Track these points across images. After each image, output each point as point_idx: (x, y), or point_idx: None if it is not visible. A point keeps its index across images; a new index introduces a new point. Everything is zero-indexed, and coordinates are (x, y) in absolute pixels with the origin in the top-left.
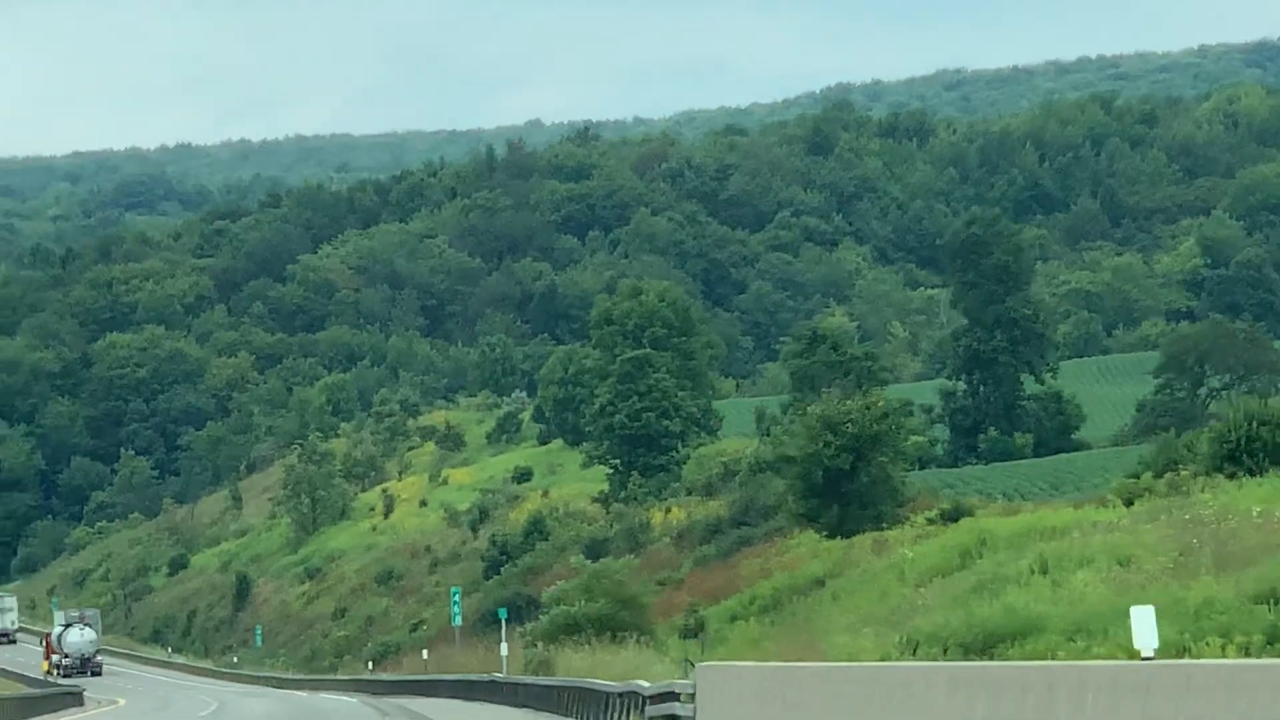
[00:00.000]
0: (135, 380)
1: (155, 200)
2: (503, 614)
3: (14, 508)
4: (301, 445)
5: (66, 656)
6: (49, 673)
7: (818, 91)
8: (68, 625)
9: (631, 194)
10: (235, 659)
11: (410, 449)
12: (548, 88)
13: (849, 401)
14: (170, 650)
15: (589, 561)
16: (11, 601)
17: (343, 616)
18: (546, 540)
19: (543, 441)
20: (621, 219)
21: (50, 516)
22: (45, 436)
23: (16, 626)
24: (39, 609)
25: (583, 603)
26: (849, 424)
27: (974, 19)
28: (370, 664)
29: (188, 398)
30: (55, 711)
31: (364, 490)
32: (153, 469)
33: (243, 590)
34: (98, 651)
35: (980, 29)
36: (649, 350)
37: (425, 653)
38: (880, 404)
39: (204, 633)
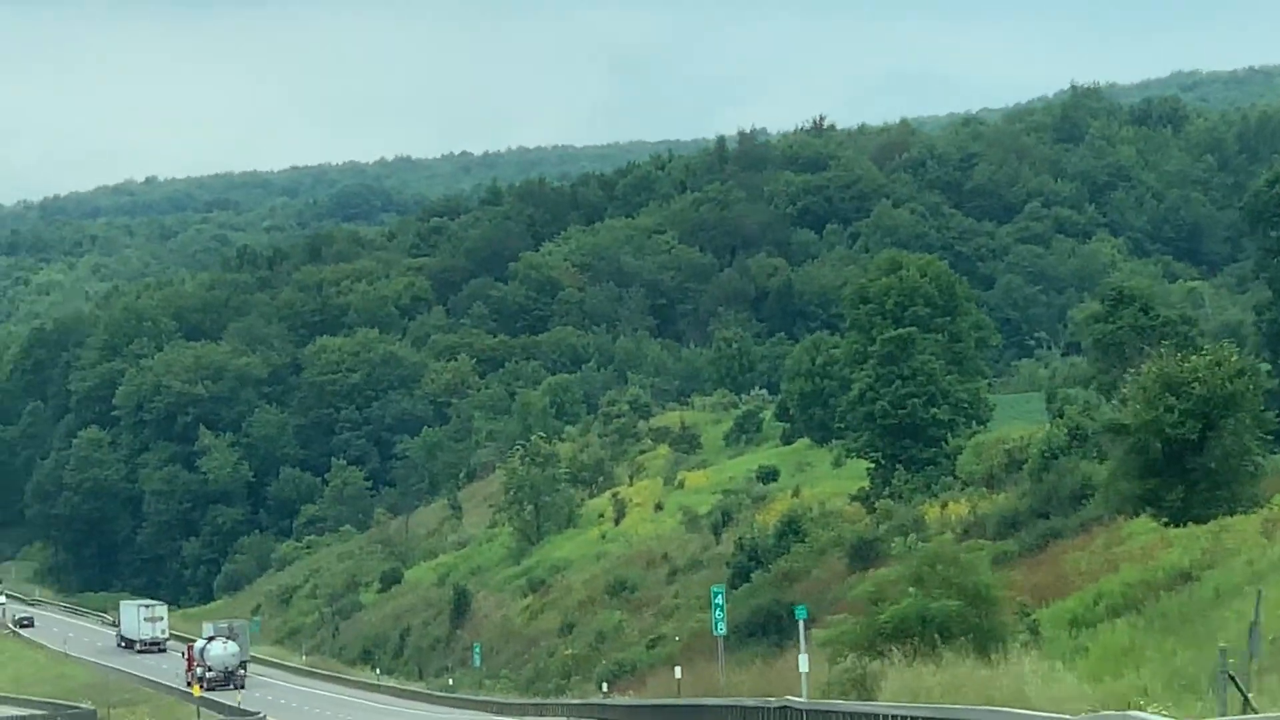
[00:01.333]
0: (347, 386)
1: (372, 211)
2: (801, 613)
3: (221, 522)
4: (524, 447)
5: (210, 670)
6: (189, 685)
7: (1050, 96)
8: (210, 638)
9: (871, 185)
10: (450, 680)
11: (641, 452)
12: (771, 101)
13: (1193, 358)
14: (379, 672)
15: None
16: (162, 610)
17: (570, 632)
18: (803, 542)
19: (787, 441)
20: (861, 211)
21: (258, 531)
22: (253, 447)
23: (167, 635)
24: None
25: (916, 596)
26: (1195, 383)
27: (1199, 22)
28: (604, 686)
29: (403, 404)
30: None
31: (592, 496)
32: (366, 480)
33: (460, 605)
34: (241, 664)
35: (1206, 31)
36: (913, 329)
37: (679, 670)
38: (1233, 359)
39: (418, 652)
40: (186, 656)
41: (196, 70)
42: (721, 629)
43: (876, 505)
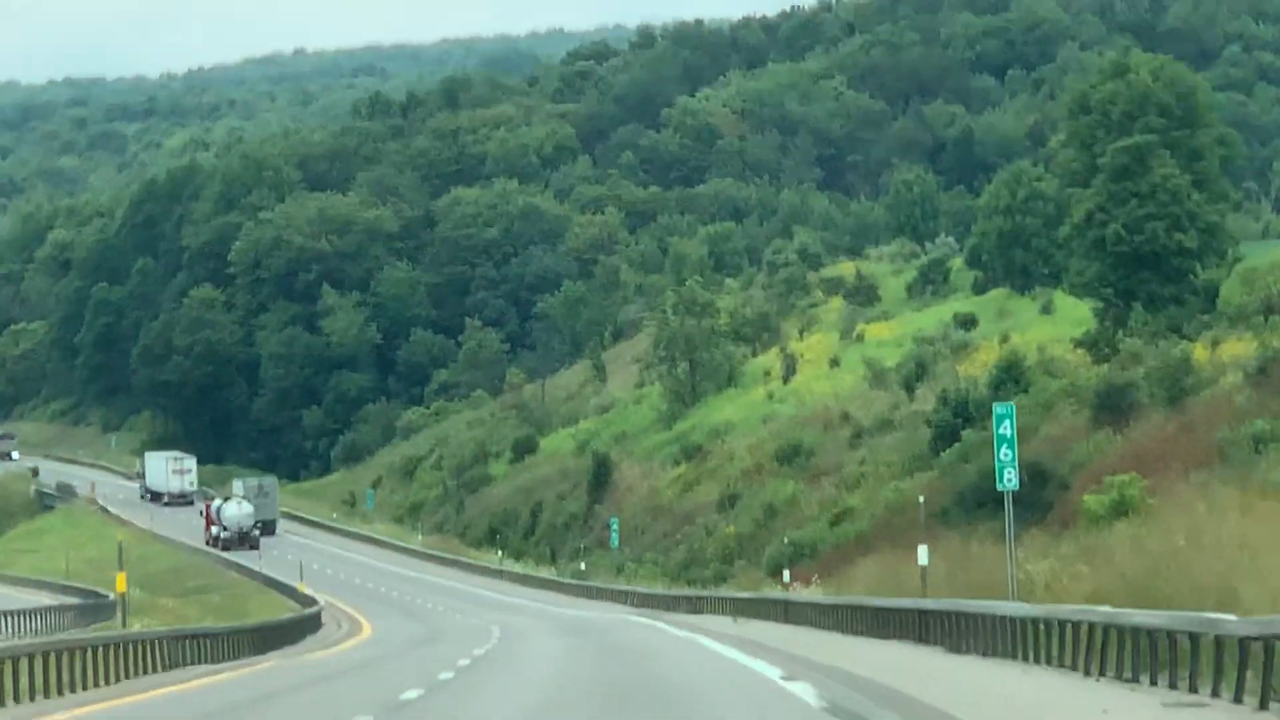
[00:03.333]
0: (484, 241)
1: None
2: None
3: (345, 389)
4: (677, 294)
5: (225, 530)
6: (209, 544)
7: None
8: (227, 498)
9: (1056, 27)
10: (583, 565)
11: (812, 305)
12: None
13: None
14: (502, 555)
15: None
16: (191, 463)
17: (732, 506)
18: (1026, 393)
19: (980, 290)
20: (1045, 56)
21: (385, 399)
22: (381, 307)
23: (195, 488)
24: (356, 506)
25: None
26: None
27: None
28: (786, 574)
29: (545, 261)
30: (290, 644)
31: (755, 354)
32: (503, 342)
33: (600, 476)
34: (259, 525)
35: None
36: (1151, 137)
37: (923, 551)
38: None
39: (550, 532)
40: (204, 515)
41: None
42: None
43: (1120, 347)
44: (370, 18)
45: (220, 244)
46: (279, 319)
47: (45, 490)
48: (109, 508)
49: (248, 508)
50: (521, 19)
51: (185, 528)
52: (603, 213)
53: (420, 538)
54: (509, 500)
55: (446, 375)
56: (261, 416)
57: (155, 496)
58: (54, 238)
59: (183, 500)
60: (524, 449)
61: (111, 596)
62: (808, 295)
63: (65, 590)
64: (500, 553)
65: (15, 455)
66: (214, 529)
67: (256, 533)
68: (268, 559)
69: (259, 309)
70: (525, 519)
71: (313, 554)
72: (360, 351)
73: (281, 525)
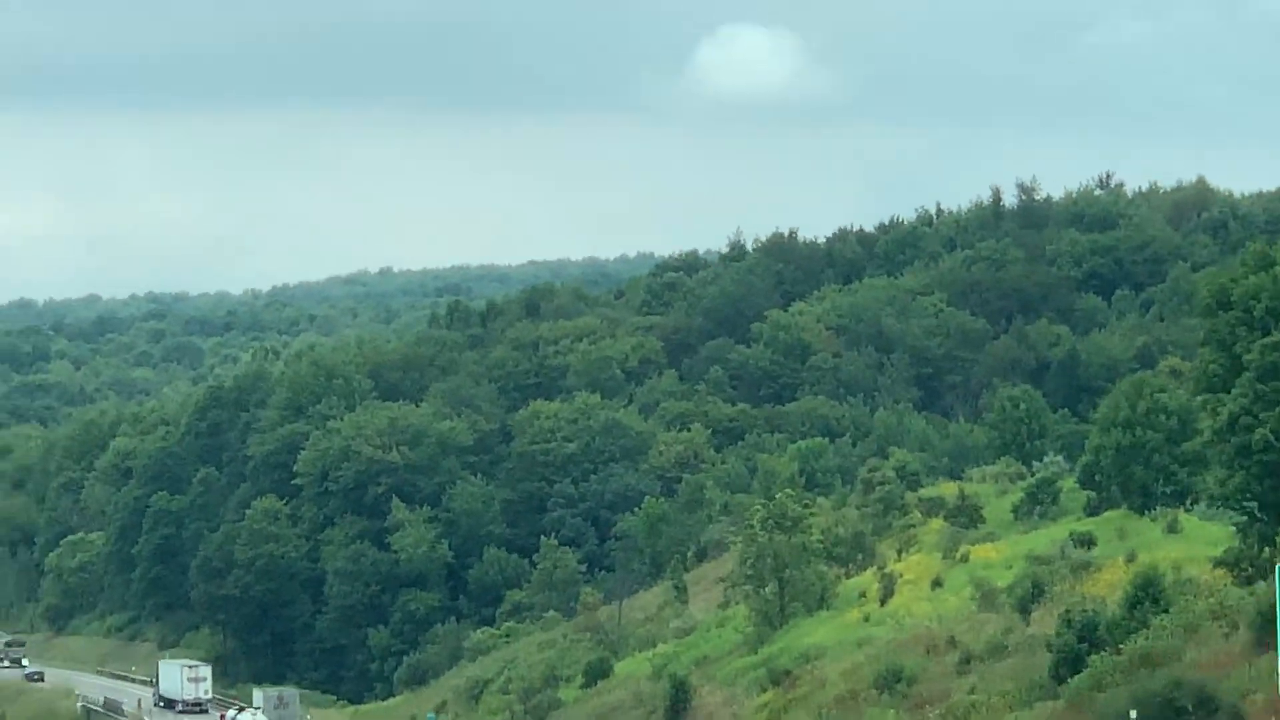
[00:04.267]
0: (563, 457)
1: None
2: None
3: (414, 608)
4: (766, 508)
5: None
6: None
7: None
8: (242, 708)
9: (1166, 246)
10: None
11: (910, 526)
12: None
13: None
14: None
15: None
16: (206, 671)
17: None
18: (1166, 613)
19: (1093, 512)
20: (1155, 275)
21: (455, 619)
22: (453, 523)
23: (210, 696)
24: None
25: None
26: None
27: None
28: None
29: (626, 479)
30: None
31: (849, 576)
32: (580, 563)
33: (679, 702)
34: None
35: None
36: None
37: None
38: None
39: None
40: None
41: (442, 169)
42: None
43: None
44: (459, 241)
45: (286, 454)
46: (346, 533)
47: (92, 708)
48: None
49: (261, 718)
50: (611, 244)
51: None
52: (689, 429)
53: None
54: None
55: (520, 596)
56: (325, 635)
57: (169, 704)
58: (116, 445)
59: (197, 708)
60: (597, 673)
61: None
62: (905, 515)
63: None
64: None
65: (25, 662)
66: None
67: None
68: None
69: (325, 522)
70: None
71: None
72: (430, 569)
73: None
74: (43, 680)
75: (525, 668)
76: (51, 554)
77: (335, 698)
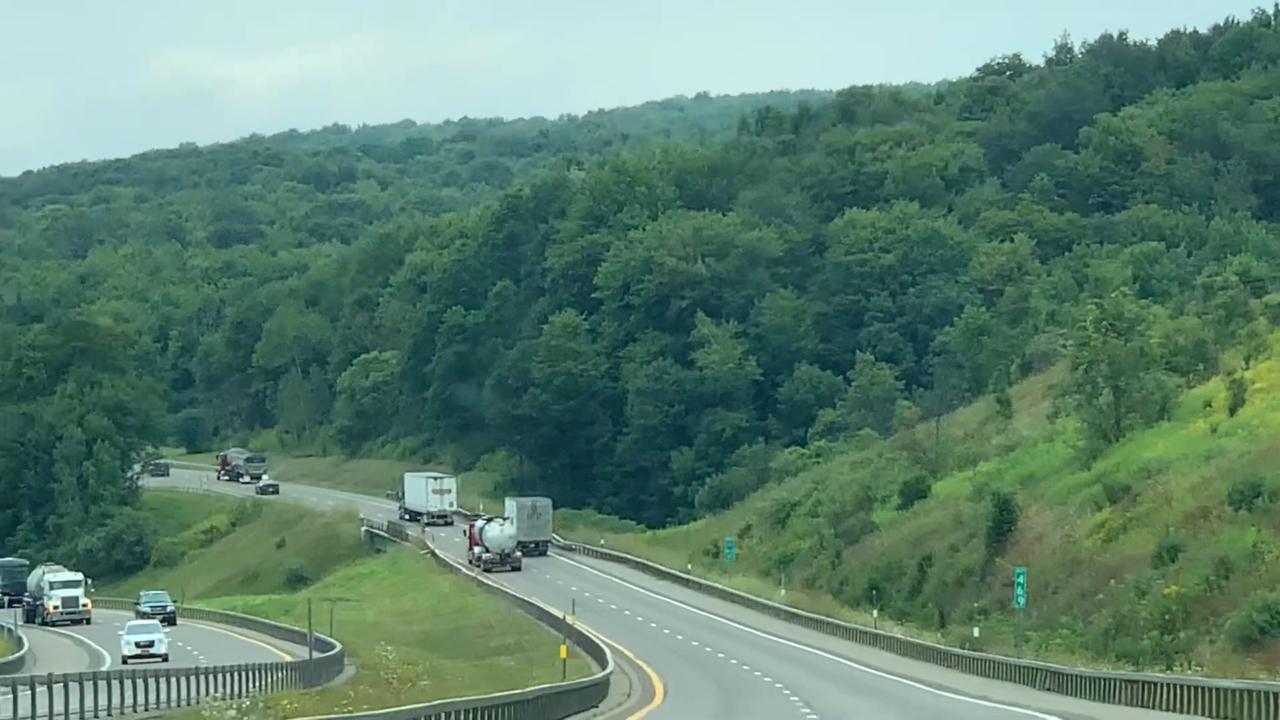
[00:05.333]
0: (880, 268)
1: None
2: None
3: (720, 429)
4: (1100, 308)
5: (487, 550)
6: (471, 563)
7: None
8: (490, 518)
9: None
10: (976, 631)
11: (1256, 335)
12: None
13: None
14: (877, 616)
15: None
16: (451, 483)
17: (1173, 560)
18: None
19: None
20: None
21: (764, 440)
22: (762, 338)
23: (454, 508)
24: (713, 562)
25: None
26: None
27: None
28: None
29: (945, 291)
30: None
31: (1190, 386)
32: (898, 379)
33: (1002, 523)
34: (521, 546)
35: None
36: None
37: None
38: None
39: (940, 590)
40: (468, 535)
41: None
42: None
43: None
44: (776, 67)
45: (586, 266)
46: (648, 350)
47: (376, 532)
48: (439, 552)
49: (510, 529)
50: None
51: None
52: (1012, 240)
53: (782, 593)
54: (893, 552)
55: (833, 415)
56: (626, 458)
57: (414, 517)
58: (412, 260)
59: (442, 521)
60: (914, 493)
61: (337, 649)
62: (1250, 323)
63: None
64: (876, 613)
65: (265, 477)
66: (476, 549)
67: (519, 554)
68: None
69: (626, 338)
70: (911, 574)
71: (597, 586)
72: (737, 387)
73: (578, 560)
74: (277, 493)
75: (836, 489)
76: (344, 374)
77: (635, 523)
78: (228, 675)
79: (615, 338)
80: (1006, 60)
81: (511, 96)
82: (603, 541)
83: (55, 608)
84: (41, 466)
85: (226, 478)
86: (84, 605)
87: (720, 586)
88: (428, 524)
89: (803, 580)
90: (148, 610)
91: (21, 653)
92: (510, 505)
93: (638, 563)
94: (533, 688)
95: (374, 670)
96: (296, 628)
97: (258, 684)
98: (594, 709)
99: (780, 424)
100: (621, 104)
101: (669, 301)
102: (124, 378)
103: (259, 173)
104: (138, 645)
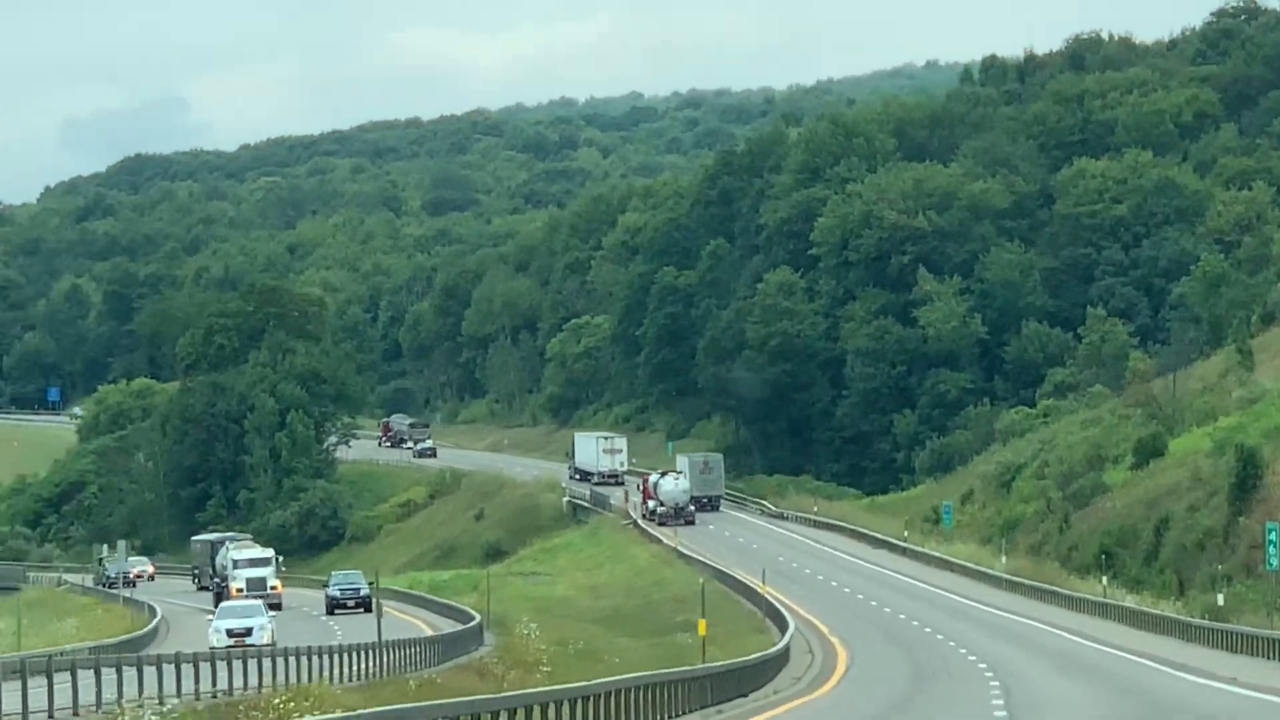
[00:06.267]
0: (1111, 220)
1: None
2: None
3: (944, 390)
4: None
5: (661, 504)
6: (644, 518)
7: None
8: (664, 473)
9: None
10: (1220, 599)
11: None
12: None
13: None
14: (1107, 584)
15: None
16: (622, 443)
17: None
18: None
19: None
20: None
21: (990, 401)
22: (987, 294)
23: (625, 468)
24: (932, 529)
25: None
26: None
27: None
28: None
29: (1180, 243)
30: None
31: None
32: (1131, 335)
33: (1247, 479)
34: (695, 500)
35: None
36: None
37: None
38: None
39: (1178, 554)
40: (641, 489)
41: None
42: None
43: None
44: (1001, 31)
45: (803, 221)
46: (867, 308)
47: (579, 502)
48: (640, 521)
49: (684, 483)
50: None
51: (712, 540)
52: (1250, 188)
53: (1003, 560)
54: (1126, 515)
55: (1063, 374)
56: (846, 422)
57: (585, 476)
58: (624, 221)
59: (613, 480)
60: (1149, 451)
61: (475, 621)
62: None
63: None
64: (1105, 581)
65: (429, 442)
66: (650, 502)
67: (692, 508)
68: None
69: (845, 297)
70: (1146, 538)
71: (807, 555)
72: (962, 346)
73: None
74: (434, 456)
75: (1064, 449)
76: (554, 340)
77: (854, 490)
78: (337, 655)
79: (833, 296)
80: (1242, 3)
81: (740, 70)
82: (816, 509)
83: (239, 590)
84: (232, 439)
85: (389, 444)
86: (272, 587)
87: (937, 554)
88: (597, 484)
89: (1027, 547)
90: (337, 588)
91: (154, 623)
92: (682, 460)
93: (852, 530)
94: (651, 672)
95: (504, 650)
96: (454, 604)
97: (366, 664)
98: (743, 697)
99: (1007, 384)
100: (850, 73)
101: (889, 257)
102: (319, 345)
103: (478, 143)
104: (230, 634)
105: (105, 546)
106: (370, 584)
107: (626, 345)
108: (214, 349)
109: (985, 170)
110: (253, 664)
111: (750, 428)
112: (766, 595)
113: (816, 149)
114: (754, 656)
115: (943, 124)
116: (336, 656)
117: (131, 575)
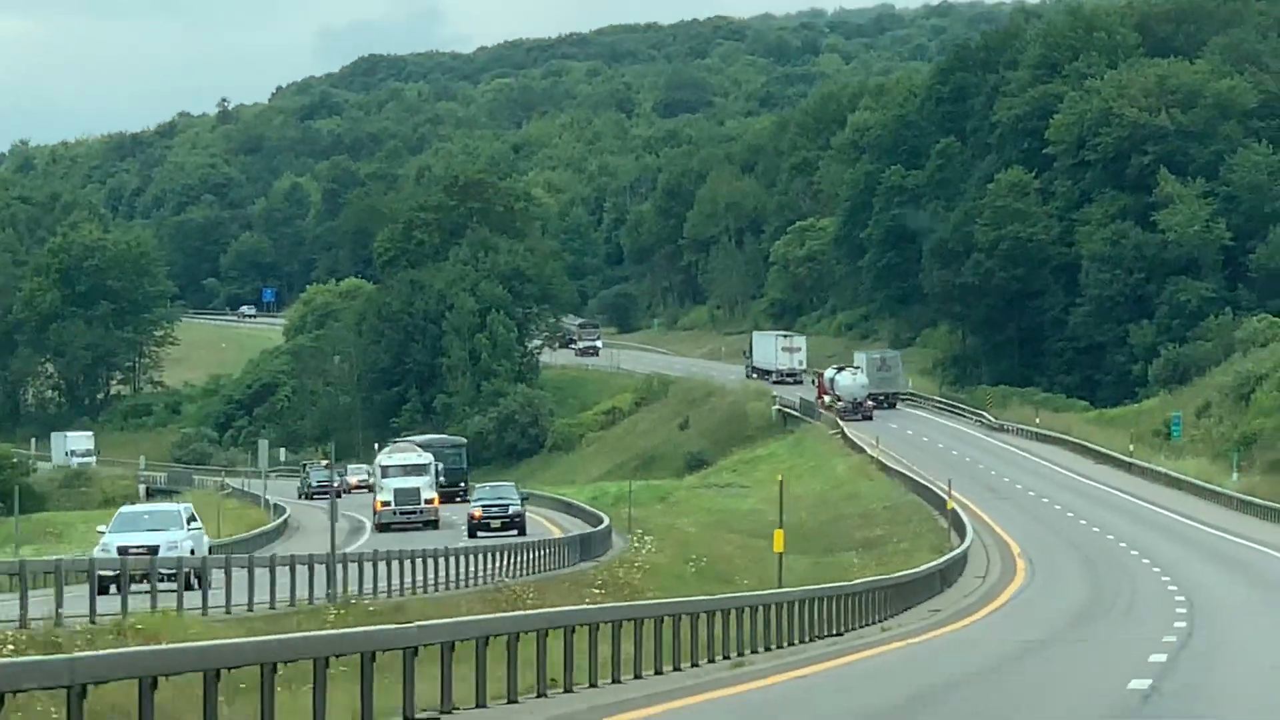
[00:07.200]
0: None
1: None
2: None
3: (1184, 299)
4: None
5: (839, 399)
6: (826, 408)
7: None
8: (841, 368)
9: None
10: None
11: None
12: None
13: None
14: None
15: None
16: (801, 341)
17: None
18: None
19: None
20: None
21: (1233, 311)
22: (1234, 198)
23: (804, 367)
24: (1162, 443)
25: None
26: None
27: None
28: None
29: None
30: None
31: None
32: None
33: None
34: (872, 397)
35: None
36: None
37: None
38: None
39: None
40: (817, 384)
41: None
42: None
43: None
44: None
45: (1038, 119)
46: (1105, 211)
47: (789, 411)
48: (848, 431)
49: (862, 378)
50: None
51: (913, 448)
52: None
53: (1234, 478)
54: None
55: None
56: (1079, 332)
57: (763, 374)
58: (854, 120)
59: (791, 379)
60: None
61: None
62: None
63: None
64: None
65: (595, 341)
66: (826, 398)
67: (870, 403)
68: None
69: (1081, 199)
70: None
71: (1022, 470)
72: (1204, 253)
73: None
74: (597, 355)
75: None
76: (777, 243)
77: (1085, 402)
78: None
79: (1069, 198)
80: None
81: None
82: (1038, 420)
83: (385, 504)
84: (430, 340)
85: (559, 346)
86: (428, 501)
87: (1162, 470)
88: (775, 381)
89: (1265, 464)
90: (480, 503)
91: (282, 519)
92: (860, 357)
93: (1075, 444)
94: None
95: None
96: (594, 509)
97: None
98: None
99: (1252, 294)
100: None
101: (1129, 157)
102: (525, 242)
103: (719, 47)
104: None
105: (283, 451)
106: (524, 498)
107: (851, 249)
108: (414, 245)
109: (1234, 67)
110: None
111: (978, 336)
112: (953, 507)
113: (1054, 43)
114: (898, 574)
115: (1190, 18)
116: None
117: (352, 484)
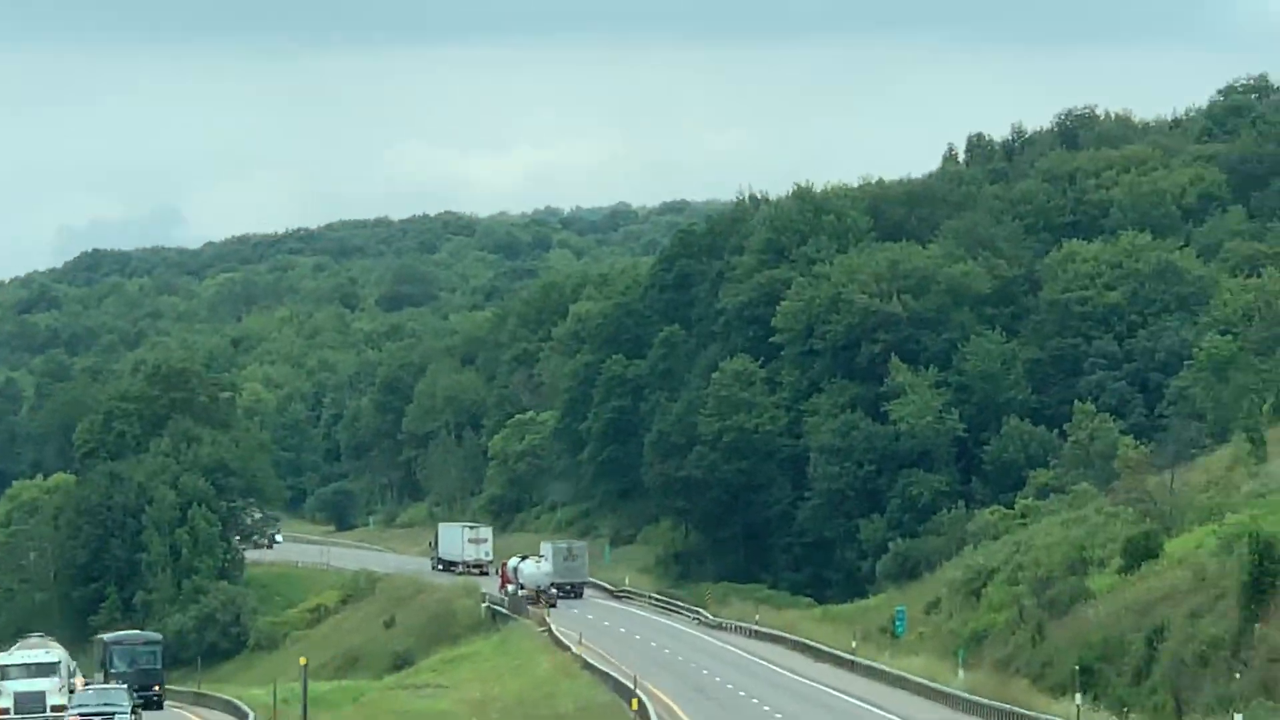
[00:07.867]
0: (1104, 308)
1: None
2: None
3: (915, 493)
4: None
5: (522, 588)
6: (509, 596)
7: None
8: (525, 557)
9: None
10: None
11: None
12: None
13: None
14: (1080, 707)
15: None
16: (487, 533)
17: None
18: None
19: None
20: None
21: (967, 505)
22: (966, 388)
23: (490, 559)
24: (889, 641)
25: None
26: None
27: None
28: None
29: (1181, 334)
30: None
31: None
32: (1124, 433)
33: (1264, 577)
34: (554, 585)
35: None
36: None
37: None
38: None
39: (1176, 669)
40: (500, 574)
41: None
42: None
43: None
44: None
45: (765, 305)
46: (834, 401)
47: (498, 609)
48: (554, 629)
49: (546, 566)
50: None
51: (624, 646)
52: (1259, 275)
53: (960, 676)
54: (1112, 624)
55: (1047, 476)
56: (807, 526)
57: (449, 565)
58: (576, 310)
59: (478, 570)
60: (1141, 553)
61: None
62: None
63: None
64: (1079, 700)
65: (280, 538)
66: (510, 587)
67: (554, 592)
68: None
69: (809, 388)
70: (1137, 651)
71: (734, 669)
72: (937, 445)
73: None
74: (270, 548)
75: (1042, 550)
76: (496, 437)
77: (810, 599)
78: None
79: (796, 387)
80: (1251, 80)
81: (731, 182)
82: (757, 617)
83: (3, 711)
84: (129, 534)
85: (269, 544)
86: (55, 709)
87: (887, 669)
88: (461, 573)
89: (995, 662)
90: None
91: None
92: (545, 547)
93: (795, 642)
94: None
95: None
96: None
97: None
98: None
99: (985, 487)
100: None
101: (859, 345)
102: (229, 434)
103: (448, 242)
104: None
105: None
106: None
107: (571, 442)
108: (114, 436)
109: (967, 252)
110: None
111: (701, 532)
112: (637, 706)
113: (782, 226)
114: None
115: (922, 203)
116: None
117: None
